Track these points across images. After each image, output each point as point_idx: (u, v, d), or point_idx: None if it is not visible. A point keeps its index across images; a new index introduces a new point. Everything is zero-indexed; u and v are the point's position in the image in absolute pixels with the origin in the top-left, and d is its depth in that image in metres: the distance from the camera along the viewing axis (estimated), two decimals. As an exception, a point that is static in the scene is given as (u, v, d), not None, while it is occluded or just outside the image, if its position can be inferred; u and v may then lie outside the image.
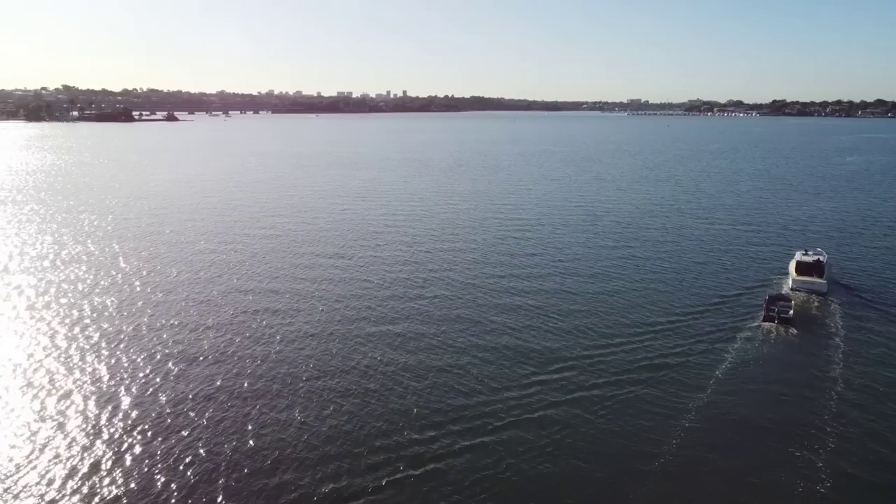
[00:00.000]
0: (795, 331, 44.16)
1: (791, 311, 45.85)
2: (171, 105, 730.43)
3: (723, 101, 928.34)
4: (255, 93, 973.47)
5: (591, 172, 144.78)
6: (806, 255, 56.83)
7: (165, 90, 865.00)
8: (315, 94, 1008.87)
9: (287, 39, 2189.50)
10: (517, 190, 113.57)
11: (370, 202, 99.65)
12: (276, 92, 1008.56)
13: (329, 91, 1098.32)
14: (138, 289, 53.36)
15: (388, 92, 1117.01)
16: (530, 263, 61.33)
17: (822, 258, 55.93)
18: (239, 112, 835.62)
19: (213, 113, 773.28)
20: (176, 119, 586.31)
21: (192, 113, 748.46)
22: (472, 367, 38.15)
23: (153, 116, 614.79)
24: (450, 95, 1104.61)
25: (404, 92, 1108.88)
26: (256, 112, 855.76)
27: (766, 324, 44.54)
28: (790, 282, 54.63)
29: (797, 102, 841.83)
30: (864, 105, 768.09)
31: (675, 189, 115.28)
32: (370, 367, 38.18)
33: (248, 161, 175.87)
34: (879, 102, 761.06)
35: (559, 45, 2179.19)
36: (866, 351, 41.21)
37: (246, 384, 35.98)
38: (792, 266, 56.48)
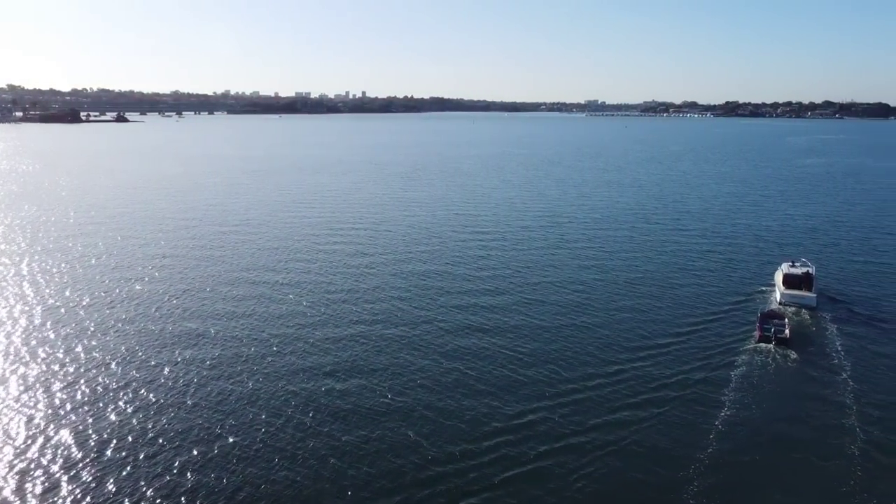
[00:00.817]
0: (795, 353, 40.36)
1: (787, 331, 42.91)
2: (122, 105, 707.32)
3: (678, 102, 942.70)
4: (210, 93, 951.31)
5: (552, 176, 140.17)
6: (793, 266, 53.69)
7: (117, 90, 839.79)
8: (273, 95, 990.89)
9: (245, 39, 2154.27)
10: (476, 197, 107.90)
11: (317, 212, 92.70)
12: (232, 92, 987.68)
13: (287, 91, 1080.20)
14: (36, 319, 45.86)
15: (347, 93, 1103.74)
16: (490, 287, 55.15)
17: (810, 270, 52.88)
18: (193, 113, 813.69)
19: (166, 114, 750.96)
20: (126, 120, 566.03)
21: (144, 114, 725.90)
22: (421, 425, 31.95)
23: (102, 117, 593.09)
24: (409, 96, 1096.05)
25: (363, 93, 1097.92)
26: (211, 113, 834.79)
27: (763, 345, 41.47)
28: (778, 295, 51.56)
29: (749, 104, 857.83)
30: (812, 106, 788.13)
31: (640, 195, 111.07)
32: (292, 441, 31.69)
33: (193, 165, 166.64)
34: (828, 104, 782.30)
35: (518, 47, 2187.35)
36: (872, 373, 37.88)
37: (140, 445, 29.30)
38: (778, 278, 53.32)
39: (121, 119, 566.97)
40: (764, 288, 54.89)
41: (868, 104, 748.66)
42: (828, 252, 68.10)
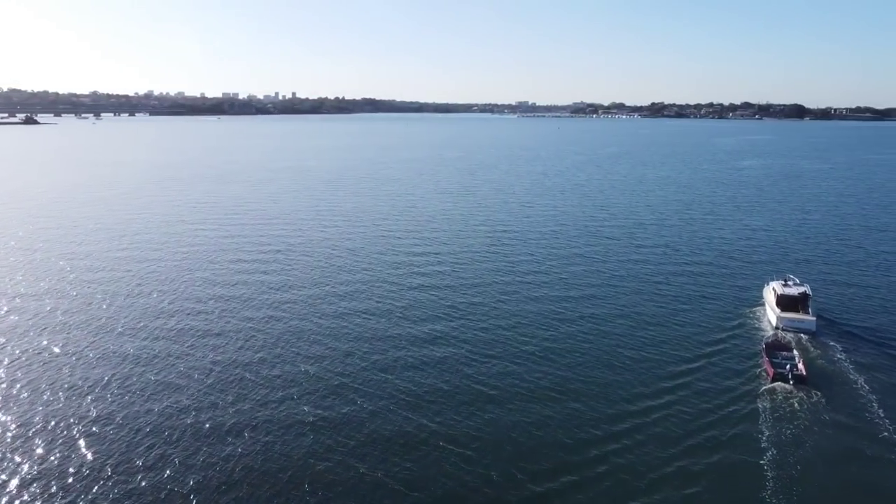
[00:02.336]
0: (817, 393, 35.01)
1: (801, 366, 37.87)
2: (34, 106, 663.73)
3: (606, 103, 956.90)
4: (131, 93, 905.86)
5: (489, 183, 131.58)
6: (786, 285, 47.81)
7: (29, 90, 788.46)
8: (198, 95, 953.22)
9: (169, 36, 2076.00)
10: (408, 209, 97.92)
11: (227, 228, 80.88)
12: (155, 92, 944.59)
13: (213, 92, 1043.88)
14: None
15: (277, 93, 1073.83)
16: (423, 331, 45.55)
17: (805, 289, 47.28)
18: (113, 114, 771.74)
19: (83, 115, 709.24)
20: (35, 122, 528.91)
21: (59, 115, 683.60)
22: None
23: (10, 119, 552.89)
24: (341, 97, 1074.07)
25: (293, 93, 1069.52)
26: (132, 114, 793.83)
27: (779, 385, 36.14)
28: (773, 319, 45.64)
29: (674, 105, 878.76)
30: (733, 107, 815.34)
31: (586, 204, 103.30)
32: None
33: (95, 174, 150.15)
34: (747, 105, 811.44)
35: (448, 48, 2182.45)
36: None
37: None
38: (770, 299, 47.47)
39: (30, 121, 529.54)
40: (751, 310, 49.03)
41: (784, 105, 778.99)
42: (803, 266, 61.81)
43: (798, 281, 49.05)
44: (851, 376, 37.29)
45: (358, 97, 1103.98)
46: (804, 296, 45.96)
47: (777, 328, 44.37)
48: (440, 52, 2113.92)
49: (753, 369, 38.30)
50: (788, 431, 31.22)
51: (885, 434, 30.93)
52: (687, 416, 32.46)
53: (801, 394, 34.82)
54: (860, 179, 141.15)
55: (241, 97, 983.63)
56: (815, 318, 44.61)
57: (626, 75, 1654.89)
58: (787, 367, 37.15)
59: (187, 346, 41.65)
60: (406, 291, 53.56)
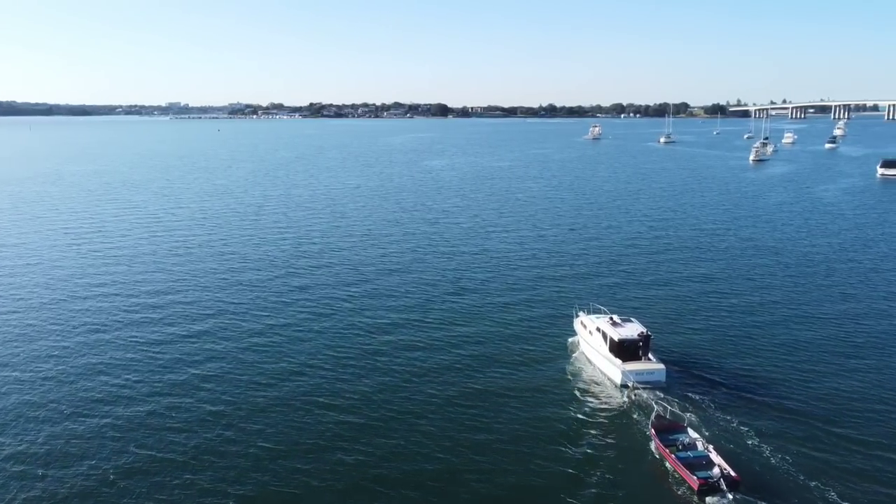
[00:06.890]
0: (763, 501, 24.26)
1: (718, 459, 26.99)
2: None
3: (265, 104, 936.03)
4: None
5: (136, 211, 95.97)
6: (615, 323, 36.31)
7: None
8: None
9: None
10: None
11: None
12: None
13: None
14: None
15: None
16: None
17: (642, 327, 36.03)
18: None
19: None
20: None
21: None
22: None
23: None
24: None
25: None
26: None
27: (712, 500, 24.81)
28: (615, 375, 34.54)
29: (333, 105, 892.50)
30: (386, 107, 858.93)
31: (274, 236, 76.61)
32: None
33: None
34: (398, 105, 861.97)
35: (85, 41, 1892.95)
36: None
37: None
38: (597, 343, 35.98)
39: None
40: (571, 366, 37.16)
41: (430, 105, 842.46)
42: (582, 291, 46.11)
43: (605, 310, 38.25)
44: (768, 460, 27.51)
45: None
46: (645, 337, 35.10)
47: (624, 386, 33.78)
48: (75, 45, 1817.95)
49: (658, 475, 27.16)
50: None
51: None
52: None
53: None
54: (552, 177, 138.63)
55: None
56: (664, 367, 34.70)
57: (283, 76, 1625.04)
58: (712, 469, 26.49)
59: None
60: None
